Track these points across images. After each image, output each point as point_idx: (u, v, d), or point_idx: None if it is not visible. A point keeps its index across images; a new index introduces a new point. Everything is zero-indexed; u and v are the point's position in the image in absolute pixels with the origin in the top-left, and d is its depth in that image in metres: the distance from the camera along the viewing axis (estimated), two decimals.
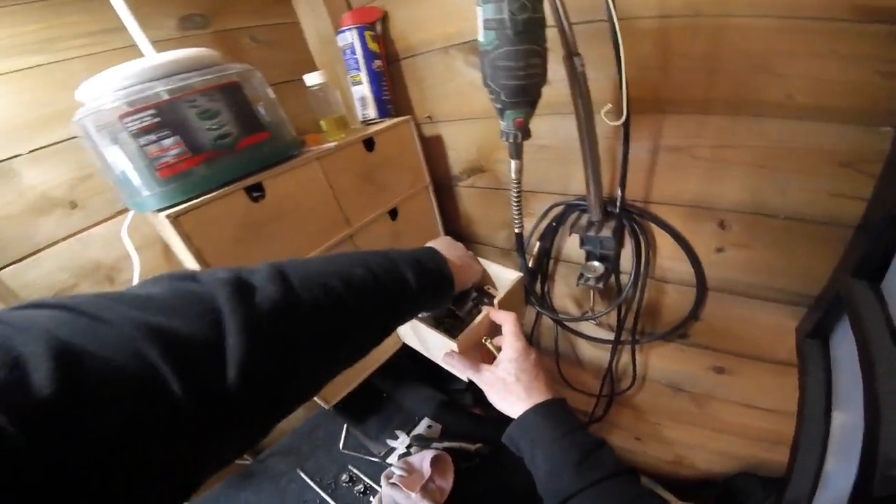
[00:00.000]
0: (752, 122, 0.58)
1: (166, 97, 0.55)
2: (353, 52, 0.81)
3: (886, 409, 0.42)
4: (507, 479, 0.86)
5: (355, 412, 1.03)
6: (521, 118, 0.58)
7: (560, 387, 1.11)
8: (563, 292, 0.95)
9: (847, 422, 0.56)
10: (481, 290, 0.79)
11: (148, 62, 0.56)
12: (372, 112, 0.85)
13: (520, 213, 0.69)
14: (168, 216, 0.56)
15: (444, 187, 0.98)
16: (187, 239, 0.58)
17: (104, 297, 0.27)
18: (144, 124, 0.54)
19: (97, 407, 0.21)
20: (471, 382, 0.60)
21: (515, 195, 0.67)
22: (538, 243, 0.86)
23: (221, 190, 0.60)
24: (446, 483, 0.86)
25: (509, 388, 0.53)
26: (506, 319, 0.59)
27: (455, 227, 1.05)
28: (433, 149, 0.93)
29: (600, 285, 0.79)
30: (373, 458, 0.95)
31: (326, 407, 0.85)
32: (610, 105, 0.58)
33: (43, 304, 0.25)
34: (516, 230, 0.72)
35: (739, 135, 0.60)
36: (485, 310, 0.68)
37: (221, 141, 0.59)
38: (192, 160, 0.58)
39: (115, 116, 0.53)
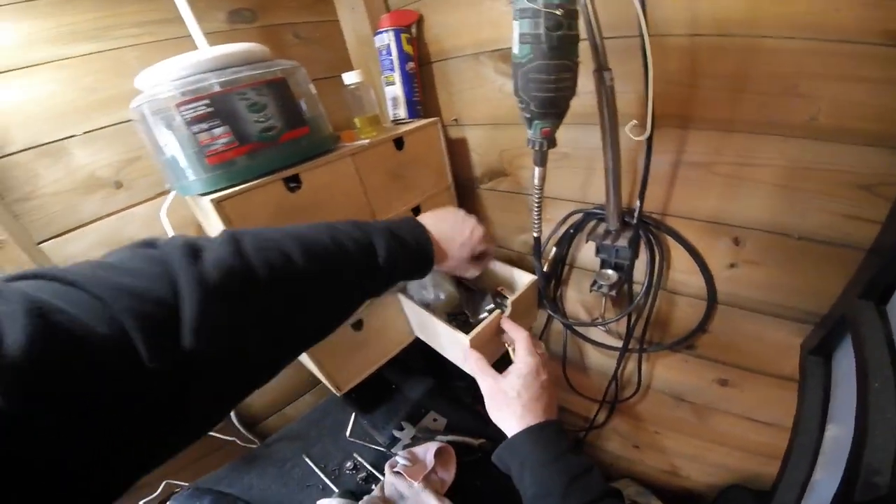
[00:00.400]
0: (774, 141, 0.60)
1: (219, 89, 0.58)
2: (389, 54, 0.84)
3: (875, 422, 0.45)
4: (507, 476, 0.89)
5: (364, 401, 1.06)
6: (549, 128, 0.61)
7: (564, 392, 1.13)
8: (575, 298, 0.97)
9: (839, 434, 0.59)
10: (496, 293, 0.83)
11: (203, 55, 0.60)
12: (402, 112, 0.88)
13: (539, 219, 0.72)
14: (213, 200, 0.59)
15: (464, 188, 1.01)
16: (228, 223, 0.62)
17: (80, 265, 0.29)
18: (198, 113, 0.57)
19: (69, 363, 0.22)
20: (474, 384, 0.61)
21: (537, 201, 0.70)
22: (554, 249, 0.89)
23: (262, 179, 0.64)
24: (448, 475, 0.88)
25: (508, 403, 0.54)
26: (519, 335, 0.60)
27: None
28: (457, 150, 0.96)
29: (613, 293, 0.82)
30: (378, 448, 0.98)
31: (338, 394, 0.88)
32: (635, 121, 0.61)
33: (25, 274, 0.27)
34: (535, 235, 0.75)
35: (761, 154, 0.62)
36: (498, 312, 0.71)
37: (266, 133, 0.63)
38: (239, 150, 0.61)
39: (171, 104, 0.56)
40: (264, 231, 0.39)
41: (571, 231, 0.86)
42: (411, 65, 0.86)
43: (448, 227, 0.59)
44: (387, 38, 0.83)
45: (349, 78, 0.76)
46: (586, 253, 0.89)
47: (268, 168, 0.65)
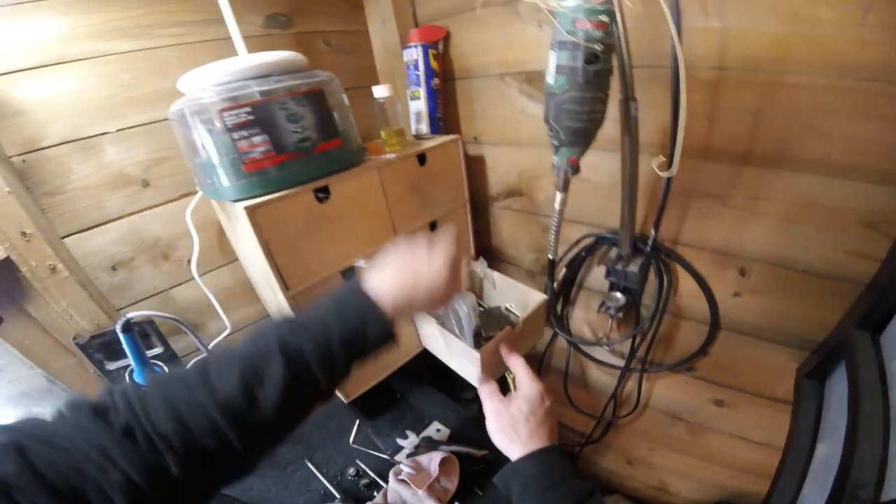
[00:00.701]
0: (786, 176, 0.62)
1: (260, 97, 0.59)
2: (416, 69, 0.86)
3: (863, 441, 0.48)
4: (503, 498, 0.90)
5: (369, 409, 1.06)
6: (576, 157, 0.63)
7: (564, 407, 1.15)
8: (581, 317, 1.00)
9: (828, 452, 0.61)
10: (507, 310, 0.84)
11: (246, 62, 0.61)
12: (425, 127, 0.90)
13: (556, 242, 0.74)
14: (246, 208, 0.60)
15: (480, 205, 1.02)
16: (258, 229, 0.62)
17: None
18: (239, 120, 0.58)
19: None
20: (478, 398, 0.61)
21: (555, 224, 0.72)
22: (565, 269, 0.91)
23: (294, 189, 0.65)
24: (451, 484, 0.88)
25: (514, 427, 0.54)
26: (516, 362, 0.60)
27: (485, 244, 1.09)
28: (474, 168, 0.98)
29: (620, 315, 0.84)
30: (381, 455, 0.98)
31: (345, 401, 0.89)
32: (662, 158, 0.63)
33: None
34: (550, 256, 0.77)
35: (773, 188, 0.64)
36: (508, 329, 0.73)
37: (302, 143, 0.64)
38: (275, 159, 0.62)
39: (214, 109, 0.57)
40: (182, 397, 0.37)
41: (583, 254, 0.88)
42: (436, 81, 0.88)
43: (405, 277, 0.48)
44: (415, 53, 0.85)
45: (379, 91, 0.78)
46: (595, 275, 0.91)
47: (300, 178, 0.66)
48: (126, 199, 0.74)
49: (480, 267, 0.93)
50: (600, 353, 1.01)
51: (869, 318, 0.59)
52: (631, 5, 0.50)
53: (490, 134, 0.94)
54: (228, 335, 0.79)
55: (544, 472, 0.50)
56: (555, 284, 0.91)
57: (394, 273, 0.48)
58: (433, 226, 0.90)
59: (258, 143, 0.60)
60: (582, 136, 0.60)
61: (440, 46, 0.88)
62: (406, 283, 0.47)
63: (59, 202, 0.68)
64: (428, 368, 1.09)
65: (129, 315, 0.59)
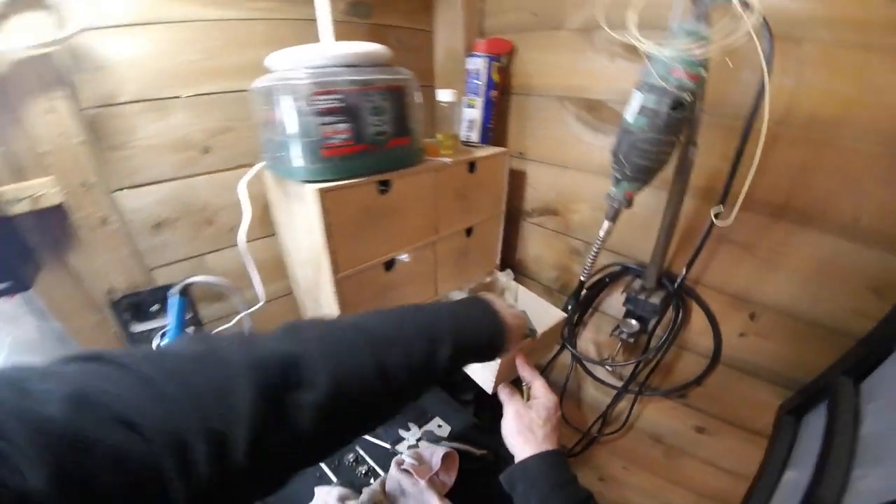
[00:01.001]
0: (813, 234, 0.67)
1: (352, 87, 0.60)
2: (478, 78, 0.88)
3: (831, 468, 0.55)
4: (498, 497, 0.93)
5: None
6: (633, 191, 0.67)
7: None
8: (590, 337, 1.04)
9: (796, 478, 0.66)
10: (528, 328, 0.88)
11: (341, 49, 0.61)
12: (475, 136, 0.92)
13: (592, 266, 0.78)
14: (319, 190, 0.61)
15: (512, 218, 1.05)
16: (325, 212, 0.63)
17: (141, 355, 0.29)
18: (329, 106, 0.59)
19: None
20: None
21: (595, 250, 0.76)
22: (585, 291, 0.96)
23: (362, 178, 0.66)
24: (449, 479, 0.90)
25: (532, 428, 0.58)
26: (533, 374, 0.65)
27: (510, 256, 1.12)
28: (515, 181, 1.00)
29: (631, 340, 0.89)
30: (382, 444, 1.00)
31: None
32: (721, 207, 0.67)
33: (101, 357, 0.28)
34: (581, 279, 0.81)
35: (798, 244, 0.69)
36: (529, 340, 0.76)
37: (378, 137, 0.65)
38: (353, 148, 0.63)
39: (308, 92, 0.58)
40: (334, 334, 0.38)
41: (607, 279, 0.92)
42: (495, 93, 0.90)
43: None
44: (479, 63, 0.87)
45: (444, 95, 0.79)
46: (613, 301, 0.96)
47: (369, 169, 0.67)
48: (183, 162, 0.72)
49: (506, 278, 0.97)
50: (601, 372, 1.06)
51: (856, 367, 0.65)
52: (731, 65, 0.54)
53: (537, 151, 0.97)
54: (261, 306, 0.78)
55: (551, 473, 0.54)
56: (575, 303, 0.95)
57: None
58: (469, 230, 0.92)
59: (341, 131, 0.61)
60: (646, 173, 0.63)
61: (504, 60, 0.90)
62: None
63: (119, 157, 0.67)
64: None
65: (191, 279, 0.59)
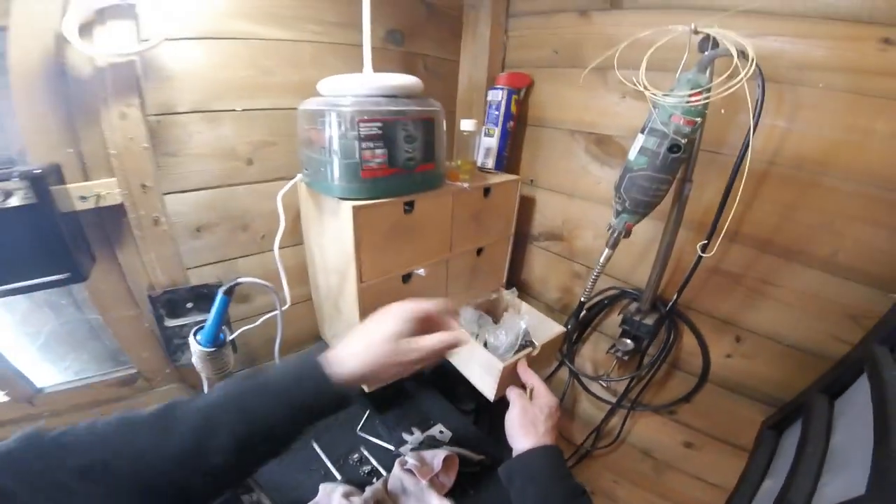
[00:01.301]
0: (797, 268, 0.73)
1: (390, 116, 0.67)
2: (497, 109, 0.95)
3: (802, 472, 0.61)
4: (499, 491, 0.97)
5: (380, 402, 1.12)
6: (632, 223, 0.74)
7: None
8: (587, 355, 1.10)
9: (772, 486, 0.72)
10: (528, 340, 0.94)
11: (384, 81, 0.69)
12: (490, 163, 0.99)
13: (592, 288, 0.85)
14: (354, 206, 0.68)
15: (520, 240, 1.12)
16: (357, 227, 0.70)
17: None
18: (371, 132, 0.66)
19: None
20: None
21: (595, 274, 0.82)
22: (585, 311, 1.02)
23: (390, 199, 0.73)
24: (449, 481, 0.93)
25: (535, 423, 0.63)
26: (535, 379, 0.71)
27: (516, 276, 1.19)
28: (524, 206, 1.08)
29: (625, 358, 0.96)
30: (386, 445, 1.04)
31: (365, 390, 0.95)
32: (706, 242, 0.74)
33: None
34: (582, 299, 0.88)
35: (783, 276, 0.75)
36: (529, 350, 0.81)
37: (408, 162, 0.72)
38: (386, 171, 0.70)
39: (355, 119, 0.64)
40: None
41: (606, 302, 0.99)
42: (511, 124, 0.97)
43: (366, 349, 0.49)
44: (500, 95, 0.95)
45: (466, 125, 0.86)
46: (610, 321, 1.02)
47: (398, 191, 0.74)
48: (228, 171, 0.79)
49: (510, 295, 1.03)
50: (596, 388, 1.11)
51: (831, 385, 0.71)
52: (724, 112, 0.62)
53: (546, 180, 1.04)
54: (286, 308, 0.84)
55: (550, 466, 0.58)
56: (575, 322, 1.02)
57: (355, 343, 0.50)
58: (479, 251, 0.99)
59: (378, 155, 0.68)
60: (644, 207, 0.71)
61: (521, 93, 0.98)
62: (369, 370, 0.48)
63: (173, 163, 0.73)
64: (436, 378, 1.18)
65: (241, 280, 0.65)
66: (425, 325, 0.52)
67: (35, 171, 0.58)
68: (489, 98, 0.97)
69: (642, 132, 0.66)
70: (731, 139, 0.72)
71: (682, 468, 1.05)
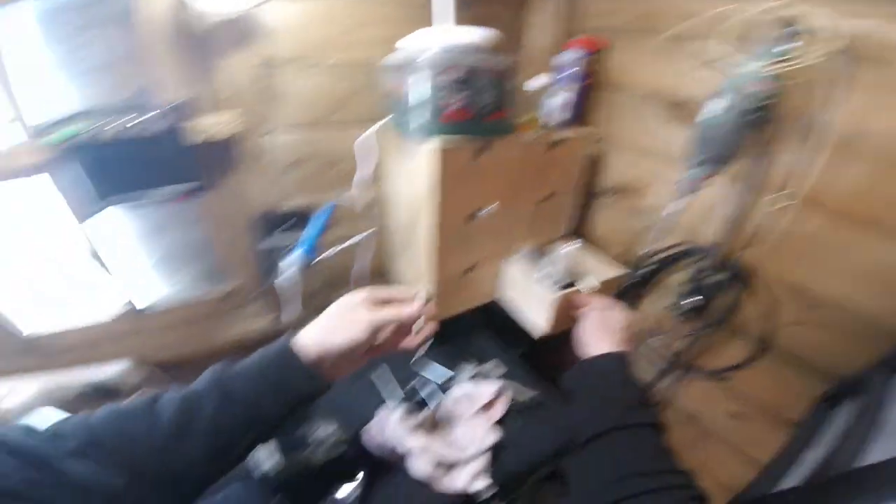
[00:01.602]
0: (873, 239, 0.72)
1: (471, 67, 0.74)
2: (568, 70, 0.98)
3: (847, 443, 0.63)
4: (545, 428, 1.00)
5: (439, 334, 1.21)
6: (706, 176, 0.76)
7: None
8: (645, 312, 1.12)
9: (813, 457, 0.75)
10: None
11: (466, 34, 0.75)
12: (558, 120, 1.01)
13: (658, 236, 0.88)
14: (433, 147, 0.76)
15: (585, 195, 1.15)
16: (434, 166, 0.78)
17: None
18: (451, 81, 0.73)
19: None
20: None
21: (662, 227, 0.86)
22: (648, 267, 1.04)
23: (466, 142, 0.80)
24: (497, 413, 0.99)
25: (613, 328, 0.67)
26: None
27: (578, 229, 1.22)
28: (592, 162, 1.11)
29: (688, 316, 0.97)
30: (441, 376, 1.11)
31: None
32: (786, 202, 0.75)
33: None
34: (647, 249, 0.91)
35: (859, 247, 0.74)
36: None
37: (483, 109, 0.79)
38: (464, 116, 0.77)
39: (438, 68, 0.72)
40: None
41: (670, 259, 1.01)
42: (582, 84, 1.00)
43: (328, 330, 0.51)
44: (573, 56, 0.97)
45: (536, 82, 0.92)
46: (672, 280, 1.03)
47: (472, 135, 0.81)
48: (320, 115, 0.91)
49: (575, 245, 1.07)
50: (647, 348, 1.14)
51: (892, 361, 0.72)
52: (805, 83, 0.62)
53: (617, 139, 1.07)
54: (363, 239, 0.95)
55: (621, 371, 0.60)
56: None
57: (321, 324, 0.51)
58: (543, 199, 1.04)
59: (458, 101, 0.75)
60: (720, 162, 0.73)
61: (596, 57, 1.00)
62: (326, 334, 0.50)
63: (274, 106, 0.86)
64: (490, 318, 1.24)
65: (340, 201, 0.77)
66: (385, 305, 0.55)
67: (176, 104, 0.72)
68: (561, 59, 1.00)
69: (722, 94, 0.68)
70: (815, 111, 0.70)
71: (725, 438, 1.06)
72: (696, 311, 0.96)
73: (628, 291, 1.09)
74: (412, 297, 0.58)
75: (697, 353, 1.03)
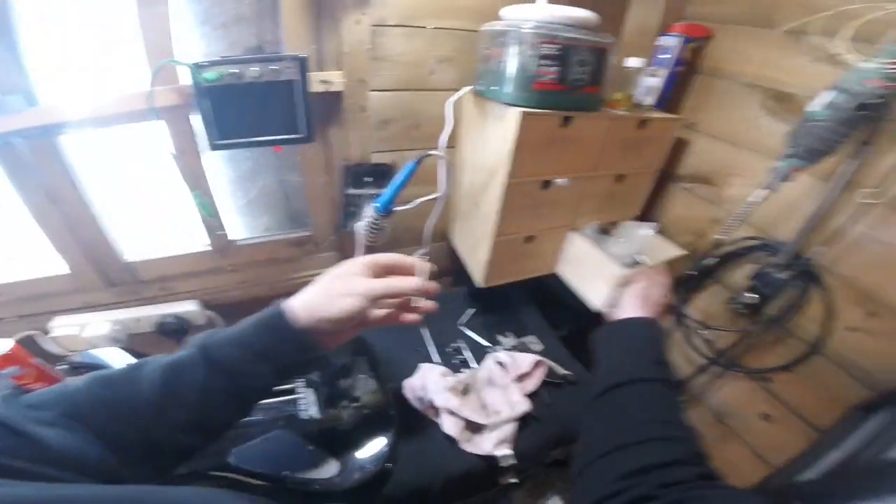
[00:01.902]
0: None
1: (569, 40, 0.79)
2: (667, 53, 1.00)
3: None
4: (575, 407, 1.03)
5: (486, 302, 1.27)
6: (798, 168, 0.78)
7: None
8: (700, 304, 1.15)
9: (837, 457, 0.78)
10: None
11: (564, 11, 0.80)
12: (650, 101, 1.01)
13: (735, 225, 0.90)
14: (522, 112, 0.81)
15: (664, 178, 1.17)
16: (520, 130, 0.83)
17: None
18: (549, 53, 0.78)
19: None
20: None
21: (743, 212, 0.88)
22: (715, 258, 1.06)
23: (552, 112, 0.85)
24: (533, 385, 1.04)
25: (651, 299, 0.71)
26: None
27: (651, 211, 1.24)
28: (678, 146, 1.13)
29: (744, 312, 1.00)
30: (482, 342, 1.17)
31: (481, 285, 1.09)
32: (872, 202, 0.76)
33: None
34: (720, 235, 0.95)
35: None
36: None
37: (576, 82, 0.84)
38: (556, 87, 0.82)
39: (536, 39, 0.77)
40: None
41: (740, 252, 1.02)
42: (680, 69, 1.02)
43: (320, 296, 0.49)
44: (672, 41, 0.99)
45: (632, 62, 0.94)
46: (736, 275, 1.05)
47: (561, 106, 0.86)
48: (414, 78, 0.99)
49: (652, 228, 1.10)
50: (695, 340, 1.15)
51: None
52: None
53: (710, 126, 1.07)
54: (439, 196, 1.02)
55: (652, 338, 0.62)
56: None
57: (315, 292, 0.50)
58: (621, 178, 1.07)
59: (551, 72, 0.81)
60: (815, 155, 0.75)
61: (698, 43, 1.01)
62: (318, 302, 0.48)
63: (378, 66, 0.95)
64: (537, 295, 1.31)
65: (431, 152, 0.85)
66: (386, 274, 0.53)
67: (300, 56, 0.82)
68: (660, 42, 1.01)
69: (831, 88, 0.69)
70: None
71: (750, 441, 1.06)
72: (753, 307, 0.97)
73: (689, 279, 1.12)
74: (413, 267, 0.54)
75: (743, 350, 1.05)
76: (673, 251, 1.06)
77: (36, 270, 0.97)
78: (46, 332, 0.96)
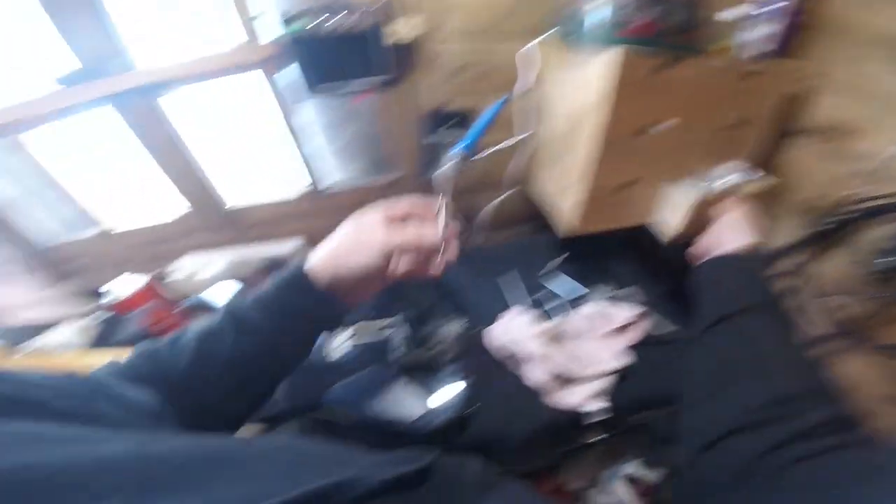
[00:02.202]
0: None
1: None
2: (779, 2, 0.85)
3: None
4: (674, 367, 0.92)
5: (577, 250, 1.21)
6: None
7: None
8: (823, 268, 1.02)
9: None
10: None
11: None
12: (757, 50, 0.90)
13: (866, 186, 0.80)
14: (612, 55, 0.75)
15: (781, 132, 1.03)
16: (615, 74, 0.77)
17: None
18: None
19: None
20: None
21: (879, 171, 0.80)
22: (847, 216, 0.91)
23: (652, 54, 0.77)
24: (633, 337, 0.97)
25: (755, 224, 0.73)
26: None
27: (763, 165, 1.08)
28: (795, 99, 0.98)
29: (881, 277, 0.86)
30: (577, 290, 1.13)
31: (568, 233, 1.02)
32: None
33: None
34: (857, 191, 0.85)
35: None
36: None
37: (670, 28, 0.80)
38: (649, 30, 0.78)
39: None
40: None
41: (878, 209, 0.86)
42: (795, 19, 0.87)
43: (339, 250, 0.49)
44: None
45: (731, 13, 0.85)
46: (873, 232, 0.89)
47: (655, 49, 0.78)
48: (486, 28, 0.97)
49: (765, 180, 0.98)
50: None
51: None
52: None
53: (831, 79, 0.92)
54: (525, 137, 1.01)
55: (757, 260, 0.66)
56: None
57: (333, 247, 0.49)
58: (728, 128, 0.96)
59: (644, 17, 0.77)
60: None
61: None
62: (335, 257, 0.48)
63: (450, 16, 0.94)
64: (637, 246, 1.22)
65: (512, 94, 0.85)
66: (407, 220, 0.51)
67: (377, 6, 0.85)
68: None
69: None
70: None
71: (870, 427, 0.96)
72: (891, 273, 0.84)
73: (815, 238, 0.99)
74: (433, 214, 0.52)
75: (875, 322, 0.92)
76: (763, 181, 0.95)
77: (157, 219, 1.15)
78: (167, 274, 1.13)
